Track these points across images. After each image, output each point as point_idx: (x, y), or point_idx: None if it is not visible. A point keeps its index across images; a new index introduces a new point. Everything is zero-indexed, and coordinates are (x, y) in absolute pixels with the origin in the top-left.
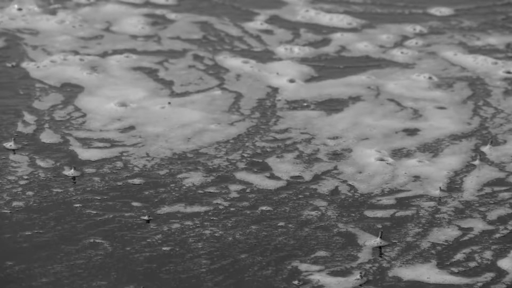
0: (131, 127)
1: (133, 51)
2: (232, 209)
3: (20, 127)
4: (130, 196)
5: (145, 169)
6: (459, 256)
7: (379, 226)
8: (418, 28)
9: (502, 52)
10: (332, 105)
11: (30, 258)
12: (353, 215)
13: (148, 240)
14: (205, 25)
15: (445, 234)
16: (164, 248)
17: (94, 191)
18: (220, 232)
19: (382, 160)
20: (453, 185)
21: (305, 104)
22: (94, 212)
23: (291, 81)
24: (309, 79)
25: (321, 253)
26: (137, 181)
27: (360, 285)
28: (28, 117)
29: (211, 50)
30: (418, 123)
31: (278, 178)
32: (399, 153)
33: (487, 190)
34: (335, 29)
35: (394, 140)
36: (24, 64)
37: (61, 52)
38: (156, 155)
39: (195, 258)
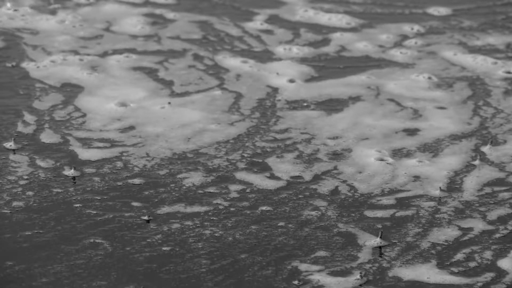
0: (131, 127)
1: (133, 51)
2: (232, 209)
3: (20, 127)
4: (130, 196)
5: (145, 169)
6: (459, 256)
7: (379, 226)
8: (418, 28)
9: (502, 52)
10: (332, 105)
11: (30, 258)
12: (353, 215)
13: (148, 240)
14: (205, 25)
15: (445, 234)
16: (164, 248)
17: (94, 191)
18: (220, 232)
19: (382, 160)
20: (453, 185)
21: (305, 104)
22: (94, 212)
23: (291, 81)
24: (309, 79)
25: (321, 253)
26: (137, 181)
27: (360, 285)
28: (28, 117)
29: (211, 50)
30: (418, 123)
31: (278, 178)
32: (399, 153)
33: (487, 190)
34: (334, 29)
35: (394, 140)
36: (24, 64)
37: (61, 52)
38: (156, 155)
39: (195, 258)
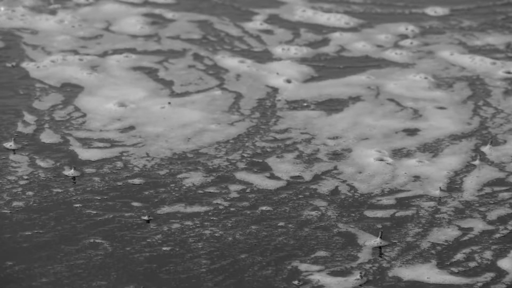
0: (131, 127)
1: (133, 51)
2: (232, 209)
3: (20, 127)
4: (130, 196)
5: (145, 169)
6: (459, 256)
7: (379, 226)
8: (418, 28)
9: (502, 52)
10: (332, 105)
11: (30, 258)
12: (353, 215)
13: (148, 240)
14: (205, 24)
15: (445, 234)
16: (164, 248)
17: (94, 191)
18: (220, 232)
19: (382, 160)
20: (453, 185)
21: (305, 104)
22: (94, 212)
23: (291, 81)
24: (309, 79)
25: (321, 253)
26: (137, 181)
27: (360, 285)
28: (28, 117)
29: (211, 50)
30: (418, 123)
31: (278, 178)
32: (399, 153)
33: (487, 190)
34: (333, 29)
35: (394, 140)
36: (24, 64)
37: (61, 52)
38: (156, 155)
39: (195, 258)
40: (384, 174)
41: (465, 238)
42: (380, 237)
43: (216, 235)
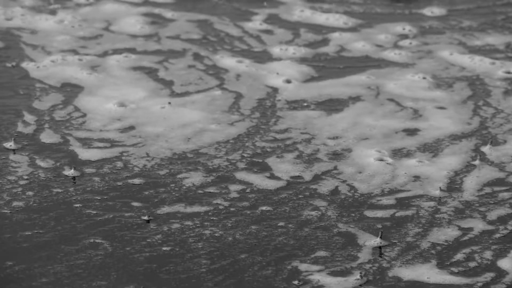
0: (131, 127)
1: (132, 50)
2: (232, 209)
3: (20, 127)
4: (130, 196)
5: (145, 169)
6: (459, 256)
7: (379, 226)
8: (418, 28)
9: (502, 52)
10: (332, 105)
11: (30, 258)
12: (353, 215)
13: (148, 240)
14: (205, 24)
15: (445, 234)
16: (164, 248)
17: (94, 191)
18: (220, 232)
19: (382, 160)
20: (453, 185)
21: (305, 104)
22: (94, 212)
23: (291, 81)
24: (309, 79)
25: (321, 253)
26: (137, 181)
27: (360, 285)
28: (28, 117)
29: (211, 50)
30: (418, 123)
31: (278, 178)
32: (399, 153)
33: (487, 190)
34: (333, 29)
35: (394, 140)
36: (24, 64)
37: (61, 52)
38: (156, 155)
39: (195, 258)
40: (384, 174)
41: (465, 238)
42: (380, 237)
43: (216, 235)
